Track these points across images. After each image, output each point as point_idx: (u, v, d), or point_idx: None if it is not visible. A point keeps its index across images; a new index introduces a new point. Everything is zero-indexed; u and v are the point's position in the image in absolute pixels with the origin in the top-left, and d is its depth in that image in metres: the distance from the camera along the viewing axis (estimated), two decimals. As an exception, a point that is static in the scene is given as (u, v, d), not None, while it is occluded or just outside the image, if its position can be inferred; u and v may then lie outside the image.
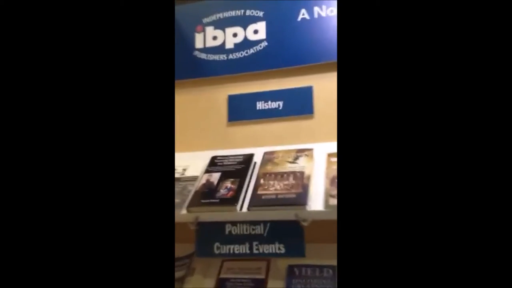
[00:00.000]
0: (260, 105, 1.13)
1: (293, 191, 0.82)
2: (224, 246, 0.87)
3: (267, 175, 0.90)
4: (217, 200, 0.86)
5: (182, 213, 0.88)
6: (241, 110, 1.15)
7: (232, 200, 0.85)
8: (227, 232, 0.87)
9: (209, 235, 0.88)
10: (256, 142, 1.11)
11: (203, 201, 0.87)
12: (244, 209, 0.84)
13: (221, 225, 0.88)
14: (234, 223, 0.87)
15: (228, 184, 0.91)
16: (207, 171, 0.99)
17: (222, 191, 0.89)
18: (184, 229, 0.92)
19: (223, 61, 1.18)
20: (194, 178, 0.99)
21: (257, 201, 0.83)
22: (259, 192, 0.86)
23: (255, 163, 1.00)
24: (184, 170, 1.05)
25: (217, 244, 0.87)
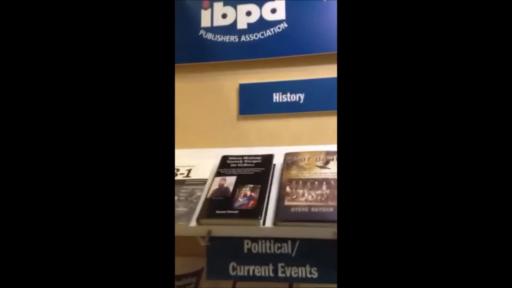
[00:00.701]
0: (277, 97, 0.98)
1: (330, 203, 0.68)
2: (242, 267, 0.72)
3: (294, 182, 0.76)
4: (236, 212, 0.71)
5: (191, 226, 0.72)
6: (254, 102, 0.99)
7: (254, 212, 0.70)
8: (245, 250, 0.73)
9: (224, 252, 0.73)
10: (272, 141, 0.97)
11: (218, 212, 0.72)
12: (269, 223, 0.70)
13: (238, 241, 0.73)
14: (254, 240, 0.73)
15: (247, 191, 0.76)
16: (219, 173, 0.83)
17: (241, 200, 0.73)
18: (191, 242, 0.77)
19: (234, 43, 1.01)
20: (202, 182, 0.84)
21: (285, 215, 0.69)
22: (287, 203, 0.71)
23: (274, 165, 0.85)
24: (189, 171, 0.88)
25: (233, 264, 0.73)
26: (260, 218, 0.69)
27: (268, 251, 0.72)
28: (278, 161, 0.86)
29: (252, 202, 0.72)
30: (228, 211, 0.71)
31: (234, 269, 0.72)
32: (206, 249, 0.74)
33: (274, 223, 0.69)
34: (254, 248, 0.72)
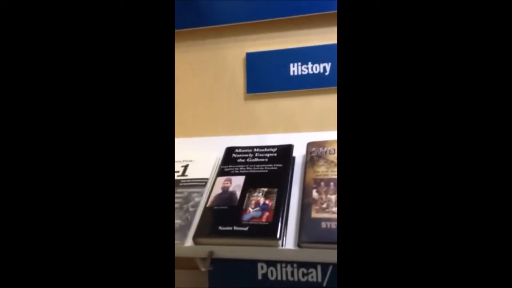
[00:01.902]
0: (295, 69, 0.76)
1: (376, 217, 0.49)
2: (256, 298, 0.55)
3: (322, 184, 0.57)
4: (246, 229, 0.52)
5: (186, 246, 0.55)
6: (266, 76, 0.78)
7: (270, 228, 0.52)
8: (260, 276, 0.55)
9: (231, 279, 0.56)
10: (290, 126, 0.76)
11: (221, 228, 0.53)
12: (291, 244, 0.52)
13: (250, 264, 0.55)
14: (271, 263, 0.55)
15: (259, 198, 0.57)
16: (223, 171, 0.64)
17: (253, 212, 0.55)
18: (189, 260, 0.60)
19: (239, 2, 0.79)
20: (202, 183, 0.65)
21: (313, 232, 0.50)
22: (315, 215, 0.52)
23: (294, 159, 0.65)
24: (185, 167, 0.70)
25: (244, 294, 0.55)
26: (279, 239, 0.51)
27: (290, 278, 0.54)
28: (298, 153, 0.67)
29: (267, 214, 0.54)
30: (235, 228, 0.53)
31: (245, 301, 0.55)
32: (207, 275, 0.57)
33: (299, 245, 0.50)
34: (272, 274, 0.54)
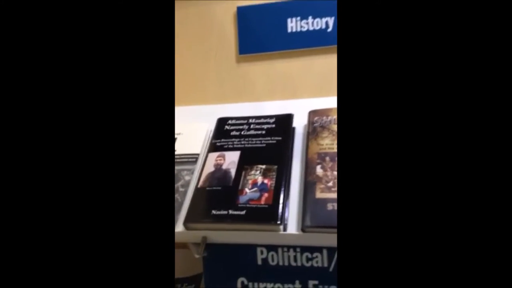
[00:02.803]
0: (293, 25, 0.67)
1: (390, 197, 0.43)
2: (255, 284, 0.50)
3: (327, 159, 0.50)
4: (242, 213, 0.47)
5: (177, 231, 0.49)
6: (260, 34, 0.68)
7: (270, 212, 0.46)
8: (260, 261, 0.50)
9: (229, 265, 0.51)
10: (288, 91, 0.68)
11: (215, 212, 0.47)
12: (293, 228, 0.46)
13: (249, 249, 0.50)
14: (272, 248, 0.50)
15: (257, 176, 0.50)
16: (215, 146, 0.57)
17: (250, 193, 0.49)
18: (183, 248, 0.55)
19: None
20: (192, 159, 0.58)
21: (318, 215, 0.45)
22: (319, 195, 0.47)
23: (294, 129, 0.58)
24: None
25: (242, 280, 0.51)
26: (280, 223, 0.45)
27: (293, 263, 0.49)
28: (299, 123, 0.59)
29: (266, 195, 0.48)
30: (231, 212, 0.47)
31: (244, 287, 0.51)
32: (203, 261, 0.52)
33: (303, 229, 0.45)
34: (273, 259, 0.50)
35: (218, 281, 0.51)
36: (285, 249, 0.49)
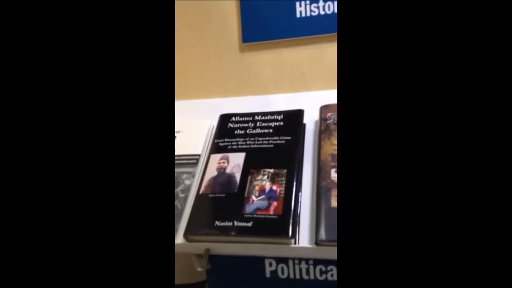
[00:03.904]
0: (302, 9, 0.60)
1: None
2: (264, 299, 0.46)
3: (343, 161, 0.45)
4: (249, 224, 0.42)
5: (177, 243, 0.45)
6: (265, 20, 0.62)
7: (280, 223, 0.41)
8: (268, 274, 0.46)
9: (234, 277, 0.47)
10: (297, 83, 0.62)
11: (219, 223, 0.43)
12: (305, 241, 0.42)
13: (256, 261, 0.46)
14: (282, 260, 0.45)
15: (265, 182, 0.46)
16: (217, 147, 0.52)
17: (257, 201, 0.44)
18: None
19: None
20: (192, 160, 0.53)
21: (335, 227, 0.40)
22: (335, 203, 0.42)
23: (304, 126, 0.53)
24: (172, 140, 0.58)
25: (249, 293, 0.47)
26: (292, 237, 0.40)
27: (305, 276, 0.45)
28: (309, 119, 0.54)
29: (275, 204, 0.43)
30: (236, 223, 0.42)
31: (251, 301, 0.47)
32: (206, 273, 0.48)
33: (317, 243, 0.40)
34: (283, 272, 0.45)
35: (223, 294, 0.47)
36: (296, 261, 0.44)
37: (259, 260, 0.45)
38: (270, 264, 0.45)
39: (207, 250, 0.44)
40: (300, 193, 0.44)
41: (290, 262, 0.44)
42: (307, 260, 0.44)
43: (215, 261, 0.46)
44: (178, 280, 0.62)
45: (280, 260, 0.45)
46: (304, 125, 0.53)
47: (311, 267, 0.44)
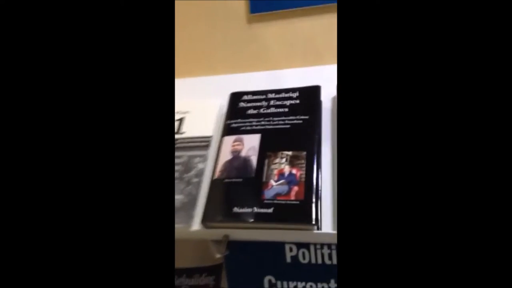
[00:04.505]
0: (315, -26, 0.55)
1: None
2: (285, 283, 0.45)
3: (366, 141, 0.43)
4: (269, 210, 0.40)
5: (194, 230, 0.43)
6: (275, -13, 0.57)
7: (302, 209, 0.39)
8: (289, 259, 0.45)
9: (253, 262, 0.46)
10: (311, 56, 0.58)
11: (237, 210, 0.41)
12: (328, 227, 0.40)
13: (276, 246, 0.45)
14: (303, 245, 0.44)
15: (284, 165, 0.43)
16: (230, 129, 0.49)
17: (276, 186, 0.42)
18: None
19: None
20: (203, 142, 0.51)
21: (360, 212, 0.38)
22: (360, 187, 0.40)
23: (321, 103, 0.50)
24: (180, 121, 0.54)
25: (269, 278, 0.46)
26: (315, 223, 0.39)
27: (327, 261, 0.43)
28: (326, 95, 0.51)
29: (295, 188, 0.41)
30: (256, 210, 0.40)
31: (272, 286, 0.46)
32: (224, 258, 0.47)
33: (341, 228, 0.39)
34: (304, 257, 0.44)
35: (242, 279, 0.46)
36: (318, 246, 0.43)
37: (279, 245, 0.44)
38: (291, 249, 0.44)
39: (226, 236, 0.43)
40: (320, 177, 0.42)
41: (312, 247, 0.43)
42: (329, 245, 0.42)
43: (234, 247, 0.45)
44: (192, 263, 0.62)
45: (301, 245, 0.43)
46: (320, 102, 0.50)
47: (334, 252, 0.43)
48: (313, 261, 0.43)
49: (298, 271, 0.44)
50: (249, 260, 0.45)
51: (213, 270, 0.59)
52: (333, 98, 0.51)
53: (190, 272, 0.60)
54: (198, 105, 0.55)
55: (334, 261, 0.43)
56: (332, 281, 0.43)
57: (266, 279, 0.45)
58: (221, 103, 0.54)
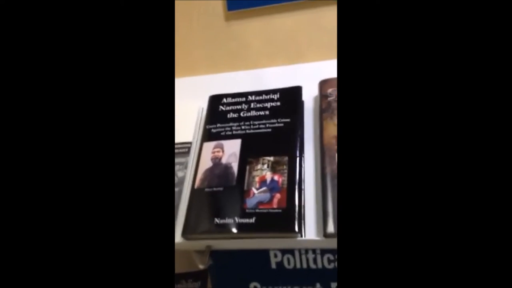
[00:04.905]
0: (293, -32, 0.53)
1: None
2: (271, 289, 0.45)
3: (349, 144, 0.42)
4: (251, 220, 0.39)
5: (176, 241, 0.42)
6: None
7: (286, 217, 0.39)
8: (274, 265, 0.44)
9: (238, 269, 0.45)
10: (292, 54, 0.56)
11: (219, 221, 0.40)
12: (312, 233, 0.39)
13: (261, 253, 0.44)
14: (288, 251, 0.43)
15: (265, 172, 0.42)
16: (210, 134, 0.47)
17: (258, 194, 0.41)
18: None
19: None
20: (183, 149, 0.49)
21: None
22: (343, 192, 0.39)
23: (303, 103, 0.49)
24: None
25: (254, 284, 0.45)
26: (298, 231, 0.38)
27: (312, 265, 0.43)
28: (308, 95, 0.49)
29: (278, 196, 0.40)
30: (238, 220, 0.39)
31: (257, 292, 0.45)
32: (208, 268, 0.46)
33: (325, 235, 0.38)
34: (289, 262, 0.43)
35: (228, 286, 0.46)
36: (303, 251, 0.42)
37: (263, 252, 0.43)
38: (275, 255, 0.43)
39: (208, 247, 0.42)
40: (303, 181, 0.41)
41: (297, 252, 0.42)
42: (314, 250, 0.42)
43: (217, 255, 0.44)
44: (177, 269, 0.61)
45: (286, 250, 0.43)
46: (302, 103, 0.48)
47: (319, 256, 0.42)
48: (298, 266, 0.43)
49: (284, 276, 0.44)
50: (234, 267, 0.44)
51: (199, 275, 0.58)
52: (315, 97, 0.50)
53: (176, 278, 0.59)
54: (177, 108, 0.53)
55: (319, 265, 0.42)
56: (318, 284, 0.43)
57: (252, 286, 0.45)
58: (200, 106, 0.52)
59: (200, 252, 0.43)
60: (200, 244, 0.42)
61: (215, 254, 0.43)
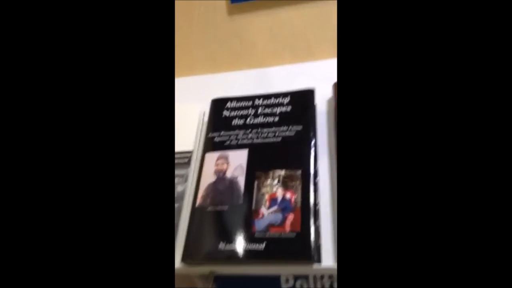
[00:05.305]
0: (303, -45, 0.47)
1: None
2: (282, 316, 0.41)
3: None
4: (261, 247, 0.34)
5: (177, 267, 0.37)
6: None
7: (300, 243, 0.34)
8: (285, 291, 0.40)
9: (245, 295, 0.40)
10: (300, 51, 0.51)
11: (223, 247, 0.35)
12: (329, 259, 0.34)
13: (270, 278, 0.39)
14: (301, 276, 0.39)
15: (276, 188, 0.37)
16: (213, 143, 0.42)
17: (268, 214, 0.36)
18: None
19: None
20: (183, 159, 0.44)
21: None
22: (366, 213, 0.34)
23: (315, 107, 0.44)
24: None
25: (264, 311, 0.41)
26: (314, 259, 0.33)
27: (328, 292, 0.39)
28: (320, 98, 0.44)
29: (291, 217, 0.35)
30: (245, 245, 0.34)
31: (267, 319, 0.41)
32: (212, 292, 0.41)
33: (345, 263, 0.33)
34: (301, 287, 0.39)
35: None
36: (318, 277, 0.38)
37: (273, 277, 0.39)
38: (287, 281, 0.39)
39: (212, 272, 0.37)
40: (318, 199, 0.37)
41: (311, 278, 0.38)
42: (330, 275, 0.38)
43: (222, 281, 0.39)
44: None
45: (299, 275, 0.38)
46: (315, 106, 0.43)
47: (336, 283, 0.38)
48: (313, 292, 0.39)
49: (296, 303, 0.39)
50: (240, 292, 0.40)
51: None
52: (329, 100, 0.45)
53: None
54: (176, 111, 0.48)
55: (336, 292, 0.38)
56: (334, 313, 0.39)
57: (260, 312, 0.41)
58: (202, 109, 0.47)
59: (202, 277, 0.39)
60: (203, 269, 0.37)
61: (219, 279, 0.39)
